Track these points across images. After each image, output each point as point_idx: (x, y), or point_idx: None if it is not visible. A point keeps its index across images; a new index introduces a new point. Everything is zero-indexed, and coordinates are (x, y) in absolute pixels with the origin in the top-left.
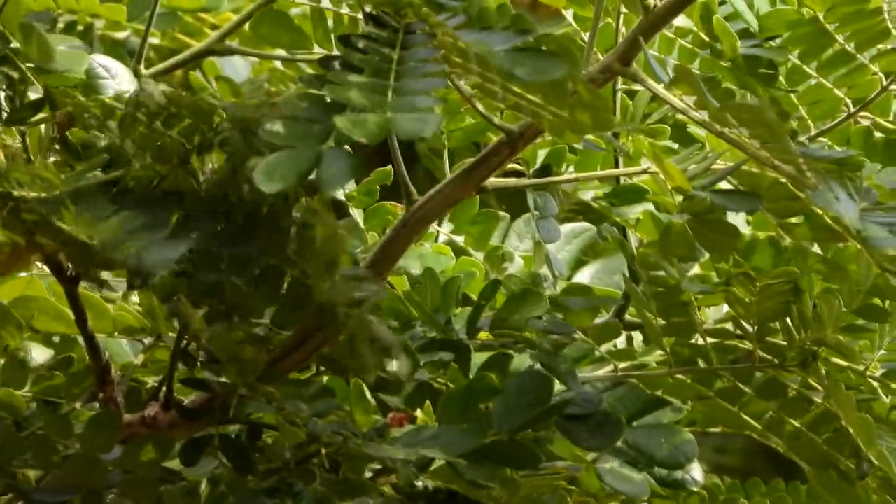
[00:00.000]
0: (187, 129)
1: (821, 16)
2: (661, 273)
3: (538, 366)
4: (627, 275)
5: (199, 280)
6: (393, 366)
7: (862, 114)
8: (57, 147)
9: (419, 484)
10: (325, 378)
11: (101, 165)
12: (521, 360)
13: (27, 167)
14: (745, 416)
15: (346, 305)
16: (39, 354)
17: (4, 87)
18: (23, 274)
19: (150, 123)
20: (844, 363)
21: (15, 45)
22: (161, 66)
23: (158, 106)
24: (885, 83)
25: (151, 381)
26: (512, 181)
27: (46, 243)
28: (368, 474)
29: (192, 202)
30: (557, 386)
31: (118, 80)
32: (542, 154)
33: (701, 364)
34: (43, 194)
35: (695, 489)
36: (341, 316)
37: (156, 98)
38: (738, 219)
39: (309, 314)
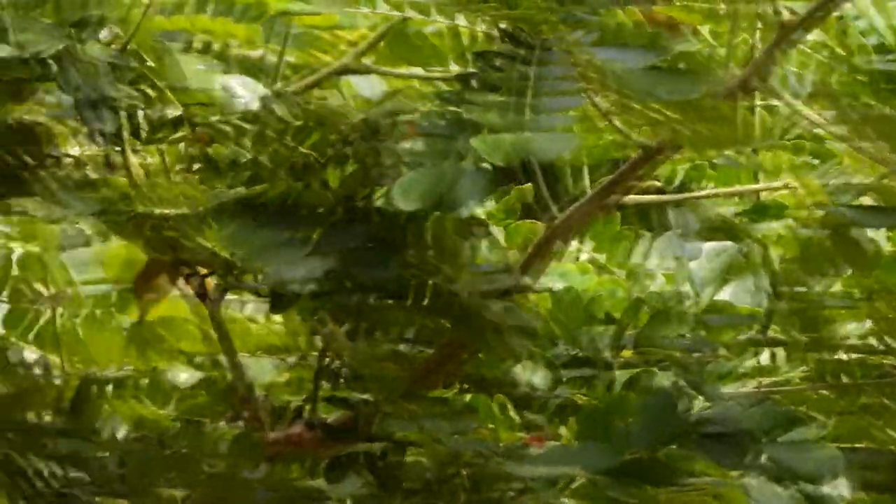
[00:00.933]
0: (319, 142)
1: None
2: (803, 289)
3: (680, 383)
4: (769, 291)
5: (340, 302)
6: (535, 379)
7: None
8: (196, 165)
9: (560, 502)
10: (468, 396)
11: (242, 182)
12: (663, 378)
13: (170, 185)
14: (890, 432)
15: (488, 296)
16: (184, 375)
17: (142, 105)
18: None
19: (281, 139)
20: None
21: (151, 64)
22: (297, 84)
23: (283, 121)
24: None
25: (295, 400)
26: (651, 198)
27: (189, 258)
28: (510, 493)
29: (328, 218)
30: (699, 403)
31: (254, 98)
32: (681, 170)
33: (844, 380)
34: (185, 211)
35: None
36: (484, 308)
37: (280, 113)
38: (878, 234)
39: (453, 324)
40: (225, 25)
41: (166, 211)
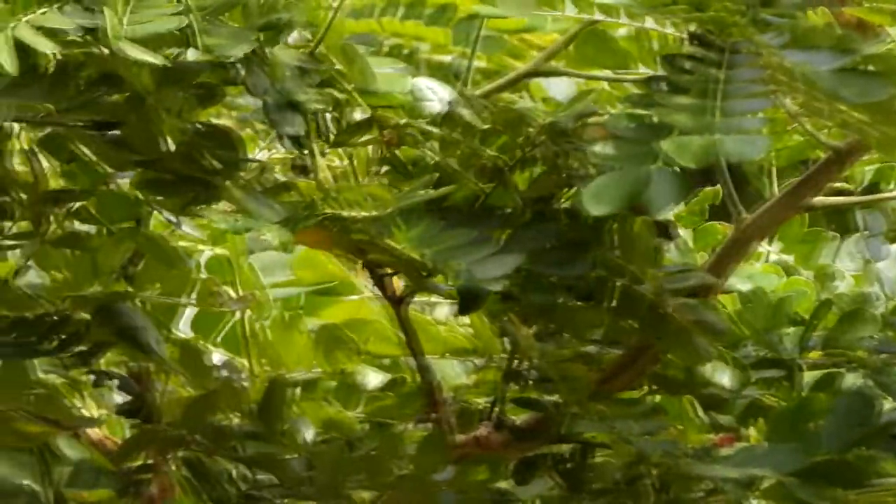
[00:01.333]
0: (505, 145)
1: None
2: None
3: (869, 384)
4: None
5: (528, 302)
6: (723, 380)
7: None
8: (384, 167)
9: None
10: (657, 397)
11: (430, 184)
12: (852, 380)
13: (357, 187)
14: None
15: (676, 295)
16: (372, 376)
17: (330, 108)
18: (354, 297)
19: (468, 142)
20: None
21: (339, 67)
22: (486, 87)
23: (471, 124)
24: None
25: (482, 402)
26: (839, 199)
27: (378, 259)
28: (699, 494)
29: (517, 218)
30: (888, 404)
31: (442, 100)
32: (869, 172)
33: None
34: (374, 213)
35: None
36: (672, 308)
37: (467, 116)
38: None
39: (641, 325)
40: (414, 28)
41: (354, 213)
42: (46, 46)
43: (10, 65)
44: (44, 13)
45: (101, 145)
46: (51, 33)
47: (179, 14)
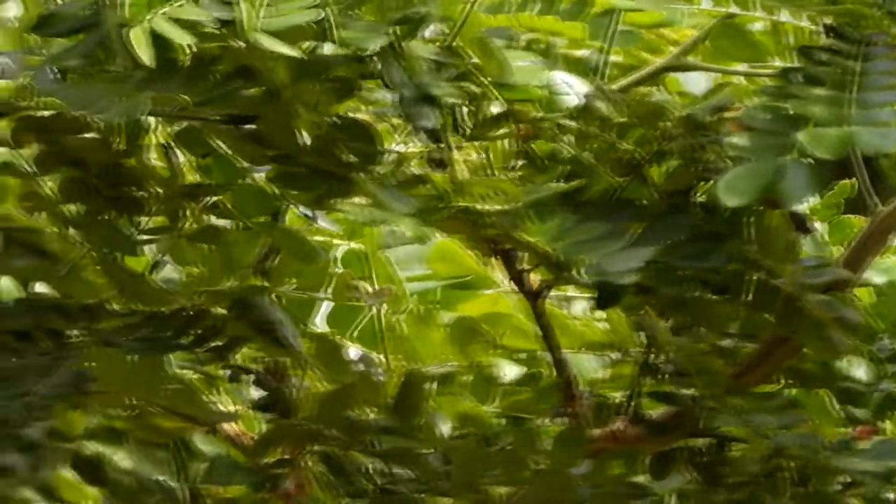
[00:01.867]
0: (641, 138)
1: None
2: None
3: None
4: None
5: (664, 296)
6: (858, 373)
7: None
8: (520, 161)
9: (889, 496)
10: (793, 391)
11: (562, 177)
12: None
13: (489, 181)
14: None
15: (813, 290)
16: (508, 370)
17: (466, 102)
18: (490, 291)
19: (604, 135)
20: None
21: (475, 61)
22: (621, 82)
23: (607, 118)
24: None
25: (618, 396)
26: None
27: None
28: (837, 487)
29: (650, 212)
30: None
31: (578, 95)
32: None
33: None
34: (505, 207)
35: None
36: (808, 302)
37: (603, 110)
38: None
39: (776, 319)
40: (549, 23)
41: (486, 207)
42: (184, 38)
43: (148, 57)
44: (180, 5)
45: (237, 139)
46: (188, 25)
47: (315, 7)
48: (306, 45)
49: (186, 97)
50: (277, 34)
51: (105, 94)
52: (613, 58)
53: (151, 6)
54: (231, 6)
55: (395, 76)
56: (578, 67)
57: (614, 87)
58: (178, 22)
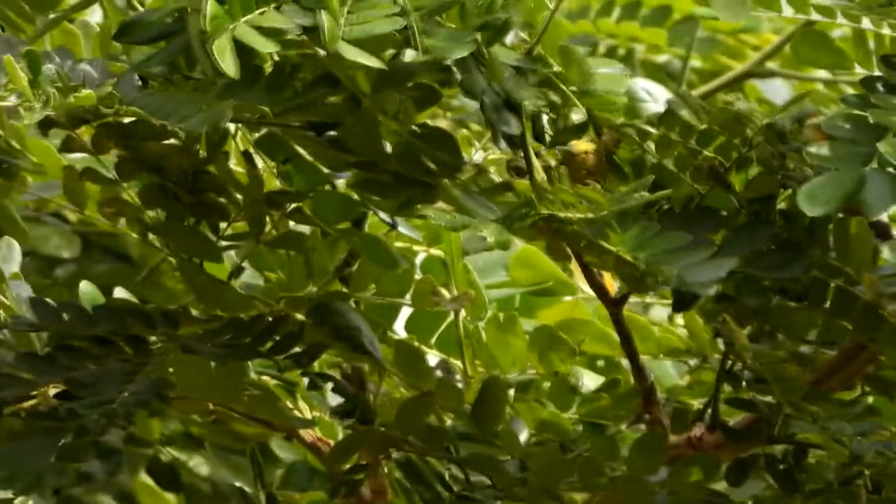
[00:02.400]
0: (723, 146)
1: None
2: None
3: None
4: None
5: (743, 303)
6: None
7: None
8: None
9: None
10: (871, 398)
11: (646, 186)
12: None
13: (574, 189)
14: None
15: (892, 297)
16: (586, 377)
17: (547, 110)
18: (570, 298)
19: (685, 143)
20: None
21: (556, 68)
22: (702, 88)
23: (689, 125)
24: None
25: (697, 403)
26: None
27: (593, 262)
28: None
29: (733, 220)
30: None
31: (659, 102)
32: None
33: None
34: (589, 215)
35: None
36: (887, 309)
37: (685, 117)
38: None
39: (855, 326)
40: (630, 29)
41: (569, 215)
42: (268, 46)
43: (233, 69)
44: (262, 13)
45: (318, 146)
46: (271, 33)
47: (397, 15)
48: (388, 52)
49: (268, 107)
50: (359, 42)
51: (187, 102)
52: (694, 63)
53: (234, 15)
54: (313, 13)
55: (478, 83)
56: (659, 73)
57: (695, 92)
58: (261, 30)
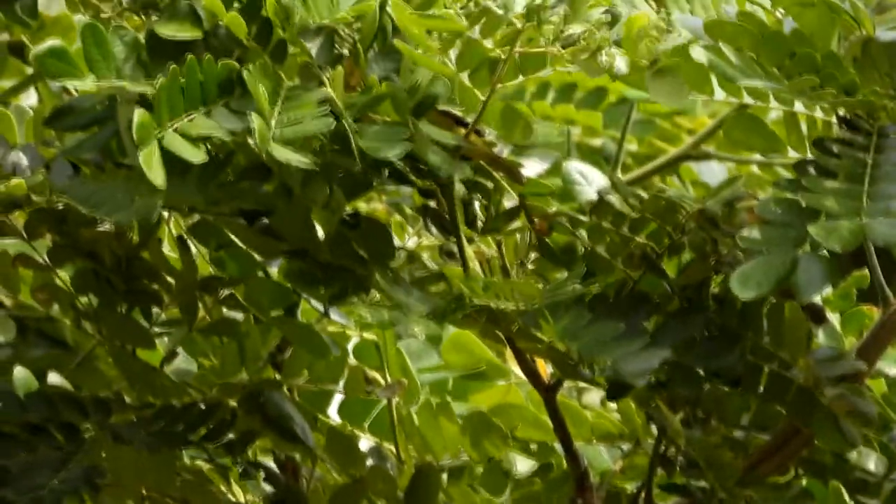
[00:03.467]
0: (655, 232)
1: None
2: None
3: None
4: None
5: (676, 390)
6: (870, 464)
7: None
8: (533, 254)
9: None
10: (804, 481)
11: (579, 276)
12: None
13: (506, 281)
14: None
15: (827, 381)
16: (520, 462)
17: (479, 196)
18: (503, 382)
19: (618, 230)
20: None
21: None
22: (637, 171)
23: (621, 213)
24: None
25: (630, 487)
26: None
27: (526, 347)
28: None
29: (666, 306)
30: None
31: (594, 186)
32: None
33: None
34: (521, 307)
35: None
36: (823, 394)
37: (616, 206)
38: None
39: (789, 410)
40: (565, 111)
41: (502, 305)
42: (196, 156)
43: (160, 179)
44: (191, 119)
45: (250, 233)
46: (199, 139)
47: (327, 116)
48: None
49: (200, 198)
50: (291, 142)
51: (118, 192)
52: (629, 146)
53: (161, 122)
54: (242, 115)
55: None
56: (594, 156)
57: (630, 176)
58: (189, 138)
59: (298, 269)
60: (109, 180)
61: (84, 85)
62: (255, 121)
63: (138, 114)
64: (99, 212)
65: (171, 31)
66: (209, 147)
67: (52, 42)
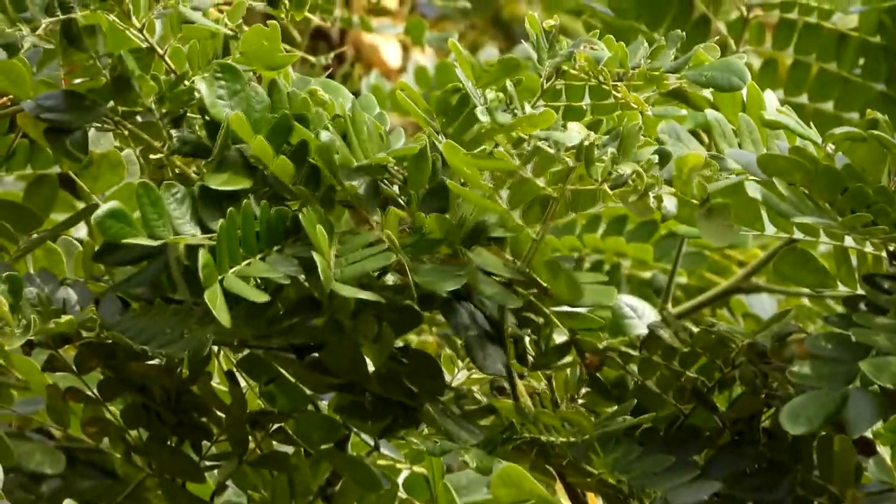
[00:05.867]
0: (706, 367)
1: None
2: None
3: None
4: None
5: None
6: None
7: None
8: (584, 389)
9: None
10: None
11: (629, 410)
12: None
13: (557, 413)
14: None
15: None
16: None
17: (530, 331)
18: None
19: (668, 364)
20: None
21: (536, 290)
22: (687, 304)
23: (671, 347)
24: None
25: None
26: None
27: (577, 482)
28: None
29: (716, 440)
30: None
31: (645, 320)
32: None
33: None
34: (572, 439)
35: None
36: None
37: (667, 340)
38: None
39: None
40: (616, 244)
41: (552, 438)
42: (260, 297)
43: (225, 318)
44: (248, 264)
45: (300, 368)
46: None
47: (385, 253)
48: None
49: (250, 333)
50: (351, 280)
51: (168, 327)
52: (679, 279)
53: (221, 266)
54: (298, 258)
55: (461, 321)
56: (644, 289)
57: (680, 309)
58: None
59: (349, 403)
60: (159, 315)
61: (142, 242)
62: (318, 261)
63: (203, 255)
64: (150, 346)
65: (221, 183)
66: (258, 280)
67: (111, 204)
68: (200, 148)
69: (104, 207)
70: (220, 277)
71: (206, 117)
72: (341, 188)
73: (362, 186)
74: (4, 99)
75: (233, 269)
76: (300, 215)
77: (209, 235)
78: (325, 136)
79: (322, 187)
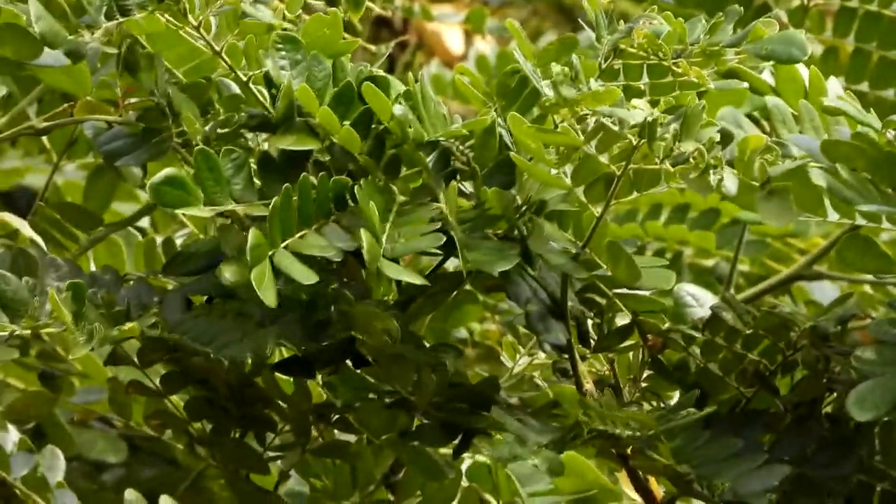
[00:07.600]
0: (768, 349)
1: None
2: None
3: None
4: None
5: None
6: None
7: None
8: (646, 371)
9: None
10: None
11: (692, 401)
12: None
13: (621, 409)
14: None
15: None
16: None
17: (592, 314)
18: None
19: (730, 347)
20: None
21: (601, 272)
22: (749, 291)
23: (734, 329)
24: None
25: None
26: None
27: (642, 467)
28: None
29: (776, 425)
30: None
31: (705, 307)
32: None
33: None
34: (637, 434)
35: None
36: None
37: (729, 322)
38: None
39: None
40: (678, 232)
41: (618, 432)
42: (310, 277)
43: (271, 298)
44: (303, 236)
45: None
46: (310, 260)
47: (437, 232)
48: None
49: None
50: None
51: (229, 329)
52: (742, 267)
53: (274, 241)
54: (355, 233)
55: (522, 293)
56: (706, 277)
57: (742, 296)
58: (301, 257)
59: (417, 429)
60: (219, 316)
61: (200, 212)
62: (364, 238)
63: (253, 234)
64: (211, 347)
65: (289, 143)
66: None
67: (168, 171)
68: (267, 121)
69: (161, 174)
70: (270, 253)
71: (273, 90)
72: (408, 161)
73: (432, 160)
74: (65, 106)
75: (285, 243)
76: (356, 188)
77: (265, 202)
78: (398, 109)
79: (385, 159)
